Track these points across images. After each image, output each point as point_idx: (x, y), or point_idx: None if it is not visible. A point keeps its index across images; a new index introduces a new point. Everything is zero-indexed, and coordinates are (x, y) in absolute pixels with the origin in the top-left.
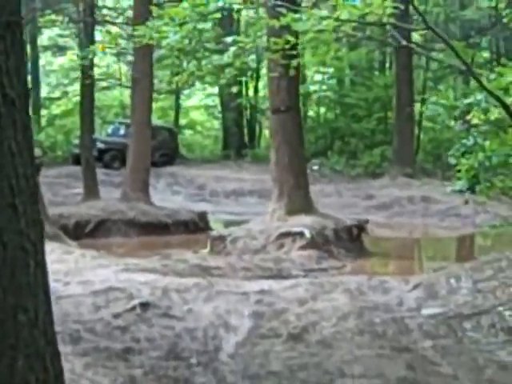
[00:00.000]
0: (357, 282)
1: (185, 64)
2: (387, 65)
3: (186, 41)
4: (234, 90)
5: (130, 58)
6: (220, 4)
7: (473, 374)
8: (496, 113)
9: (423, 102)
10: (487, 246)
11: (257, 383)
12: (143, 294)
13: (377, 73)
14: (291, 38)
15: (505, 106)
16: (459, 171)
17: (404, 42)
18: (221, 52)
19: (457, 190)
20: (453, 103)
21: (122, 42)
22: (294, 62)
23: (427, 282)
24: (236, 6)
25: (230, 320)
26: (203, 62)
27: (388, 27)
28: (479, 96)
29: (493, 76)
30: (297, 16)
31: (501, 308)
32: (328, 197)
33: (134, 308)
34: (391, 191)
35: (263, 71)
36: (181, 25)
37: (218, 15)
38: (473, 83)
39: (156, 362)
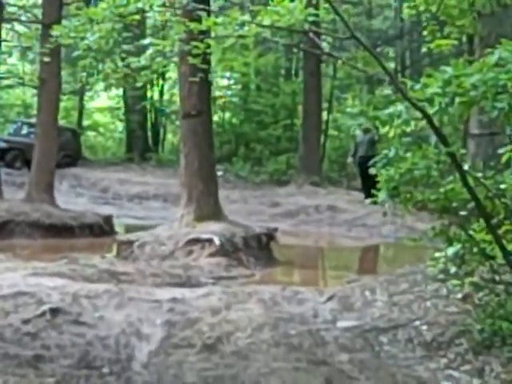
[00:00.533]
0: (271, 292)
1: (100, 65)
2: (293, 72)
3: (104, 41)
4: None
5: (31, 56)
6: (140, 5)
7: None
8: (413, 125)
9: (330, 110)
10: (394, 256)
11: None
12: (53, 300)
13: (282, 79)
14: (212, 43)
15: (428, 118)
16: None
17: (326, 50)
18: (137, 54)
19: (376, 202)
20: (375, 114)
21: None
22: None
23: (342, 293)
24: (156, 8)
25: (143, 328)
26: (119, 64)
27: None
28: (399, 106)
29: (418, 86)
30: (219, 20)
31: (417, 322)
32: (234, 203)
33: (43, 314)
34: (297, 199)
35: (168, 75)
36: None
37: (138, 17)
38: (377, 93)
39: (67, 371)
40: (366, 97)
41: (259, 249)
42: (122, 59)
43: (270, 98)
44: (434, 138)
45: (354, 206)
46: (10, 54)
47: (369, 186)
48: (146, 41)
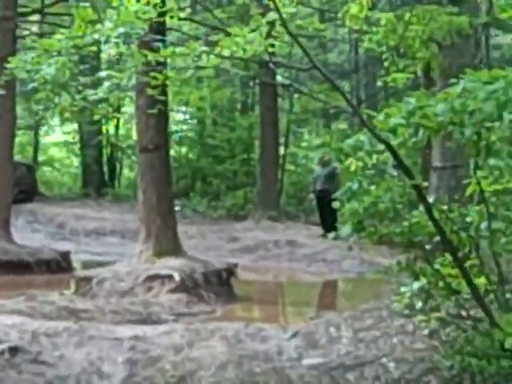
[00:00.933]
0: (234, 329)
1: (56, 99)
2: (249, 106)
3: (60, 74)
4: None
5: None
6: (96, 37)
7: None
8: (374, 158)
9: (286, 144)
10: (356, 291)
11: None
12: (11, 338)
13: (238, 114)
14: (172, 74)
15: (391, 149)
16: (335, 216)
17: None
18: (93, 87)
19: (339, 236)
20: (338, 146)
21: None
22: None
23: (306, 330)
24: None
25: (104, 367)
26: (77, 97)
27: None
28: (362, 137)
29: (380, 117)
30: (177, 50)
31: (384, 359)
32: (192, 238)
33: (2, 353)
34: (256, 234)
35: (124, 109)
36: (53, 57)
37: (94, 48)
38: (333, 127)
39: None
40: (323, 131)
41: (219, 285)
42: (79, 92)
43: (226, 132)
44: (391, 171)
45: (313, 240)
46: None
47: (327, 220)
48: (103, 73)
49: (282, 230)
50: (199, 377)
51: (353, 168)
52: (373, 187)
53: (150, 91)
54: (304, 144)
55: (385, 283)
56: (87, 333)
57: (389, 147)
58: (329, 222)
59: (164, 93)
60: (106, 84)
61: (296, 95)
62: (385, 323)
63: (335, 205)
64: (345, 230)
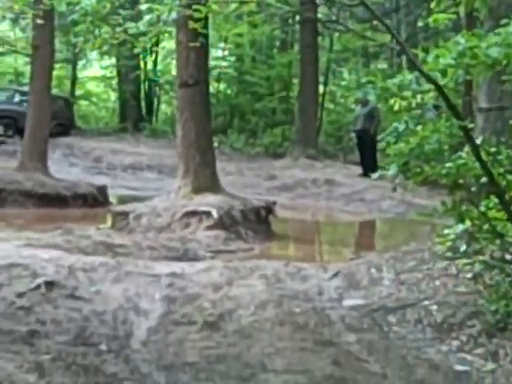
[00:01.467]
0: (273, 267)
1: (96, 31)
2: (289, 44)
3: (101, 6)
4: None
5: (23, 23)
6: None
7: (403, 373)
8: (419, 98)
9: (326, 83)
10: (396, 232)
11: (172, 375)
12: (48, 272)
13: (276, 51)
14: (215, 7)
15: (440, 89)
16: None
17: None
18: (134, 20)
19: (386, 177)
20: (384, 85)
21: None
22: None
23: (347, 270)
24: None
25: (141, 303)
26: (118, 29)
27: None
28: (409, 77)
29: (430, 57)
30: None
31: (426, 302)
32: (229, 175)
33: (38, 287)
34: (294, 172)
35: (162, 44)
36: None
37: None
38: (372, 66)
39: (64, 348)
40: (362, 70)
41: (258, 222)
42: (119, 25)
43: (265, 69)
44: (430, 114)
45: (352, 179)
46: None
47: (366, 159)
48: (143, 6)
49: (321, 169)
50: (238, 316)
51: (396, 107)
52: (419, 128)
53: (191, 24)
54: (343, 83)
55: (423, 224)
56: (124, 268)
57: (438, 87)
58: (368, 161)
59: (205, 27)
60: (147, 17)
61: (336, 34)
62: (427, 265)
63: (374, 144)
64: (391, 170)
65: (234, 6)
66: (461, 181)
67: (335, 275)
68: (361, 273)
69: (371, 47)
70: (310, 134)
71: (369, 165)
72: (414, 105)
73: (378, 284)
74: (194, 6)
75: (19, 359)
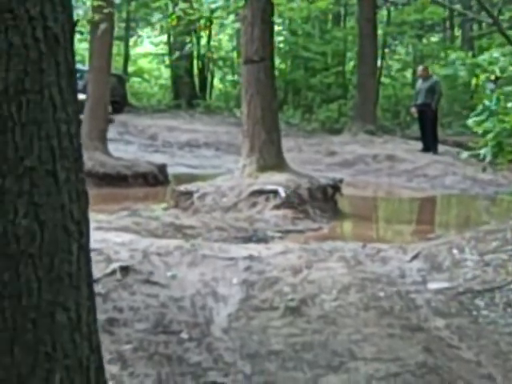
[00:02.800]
0: (351, 249)
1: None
2: (342, 18)
3: None
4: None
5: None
6: None
7: (498, 360)
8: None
9: (383, 57)
10: (469, 209)
11: (258, 364)
12: (122, 257)
13: (329, 25)
14: None
15: None
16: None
17: None
18: None
19: (478, 156)
20: (474, 60)
21: None
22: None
23: (427, 251)
24: None
25: (219, 288)
26: (195, 5)
27: None
28: (495, 53)
29: None
30: None
31: None
32: (288, 152)
33: (113, 272)
34: (353, 148)
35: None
36: None
37: None
38: (425, 40)
39: (144, 336)
40: (417, 44)
41: (325, 201)
42: (196, 1)
43: (320, 44)
44: (491, 85)
45: (413, 155)
46: None
47: (428, 134)
48: None
49: (380, 144)
50: (321, 300)
51: (474, 83)
52: (510, 105)
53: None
54: (398, 57)
55: (491, 200)
56: (200, 252)
57: None
58: (429, 136)
59: (270, 2)
60: None
61: (392, 7)
62: (511, 246)
63: (436, 119)
64: (483, 149)
65: None
66: None
67: (416, 257)
68: (442, 254)
69: (428, 20)
70: (368, 109)
71: (431, 139)
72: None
73: (461, 266)
74: None
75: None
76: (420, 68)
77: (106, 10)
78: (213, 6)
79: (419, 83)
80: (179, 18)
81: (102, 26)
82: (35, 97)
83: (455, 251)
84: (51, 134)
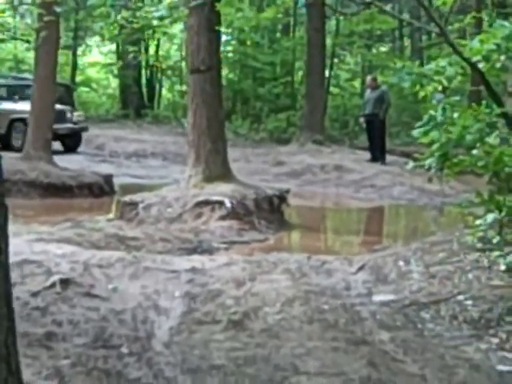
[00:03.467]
0: (296, 261)
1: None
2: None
3: None
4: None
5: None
6: None
7: (443, 374)
8: (456, 81)
9: (332, 67)
10: (413, 220)
11: (199, 379)
12: (62, 270)
13: (278, 35)
14: None
15: (481, 75)
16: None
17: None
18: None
19: (424, 167)
20: (420, 70)
21: None
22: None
23: (373, 263)
24: None
25: (161, 301)
26: (137, 14)
27: None
28: (442, 63)
29: (474, 42)
30: None
31: (461, 297)
32: (236, 162)
33: (53, 285)
34: (302, 158)
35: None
36: None
37: None
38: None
39: (83, 351)
40: (366, 54)
41: (271, 211)
42: (139, 8)
43: (268, 54)
44: (438, 96)
45: (361, 165)
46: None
47: (376, 144)
48: None
49: (328, 154)
50: (264, 314)
51: (422, 94)
52: (455, 115)
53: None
54: (346, 67)
55: (436, 210)
56: (142, 264)
57: (479, 72)
58: (377, 146)
59: (216, 12)
60: (168, 0)
61: (341, 16)
62: (457, 257)
63: (384, 129)
64: (428, 160)
65: None
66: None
67: (361, 268)
68: (388, 266)
69: (377, 30)
70: (316, 118)
71: (378, 149)
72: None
73: (407, 278)
74: None
75: (37, 364)
76: (368, 78)
77: (46, 18)
78: (156, 14)
79: (368, 93)
80: (122, 27)
81: (42, 34)
82: None
83: (401, 263)
84: None
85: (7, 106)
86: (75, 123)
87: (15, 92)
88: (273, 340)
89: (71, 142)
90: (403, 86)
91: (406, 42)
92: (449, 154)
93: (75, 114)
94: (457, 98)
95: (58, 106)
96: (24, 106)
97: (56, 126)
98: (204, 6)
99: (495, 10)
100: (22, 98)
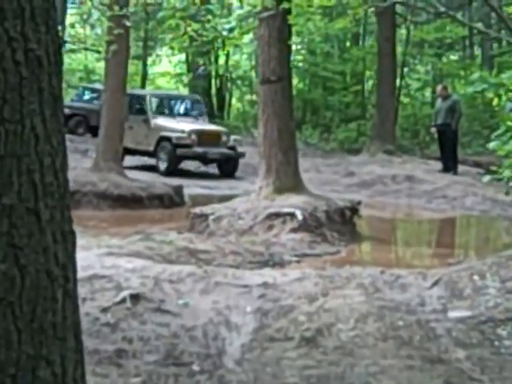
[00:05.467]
0: (370, 275)
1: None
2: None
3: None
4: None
5: (92, 19)
6: None
7: None
8: None
9: (402, 76)
10: (490, 232)
11: None
12: (132, 285)
13: (348, 44)
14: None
15: None
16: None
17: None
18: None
19: (499, 179)
20: (499, 79)
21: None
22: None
23: (447, 278)
24: None
25: (232, 317)
26: (207, 26)
27: None
28: None
29: None
30: None
31: None
32: (306, 172)
33: (123, 301)
34: (372, 168)
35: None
36: None
37: None
38: (444, 59)
39: (154, 368)
40: (436, 62)
41: (343, 223)
42: (208, 21)
43: (338, 63)
44: (509, 107)
45: (433, 176)
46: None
47: (447, 154)
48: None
49: (399, 165)
50: (337, 330)
51: (495, 103)
52: None
53: (283, 17)
54: (417, 76)
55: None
56: (213, 279)
57: None
58: (449, 156)
59: (286, 22)
60: (238, 12)
61: (412, 26)
62: None
63: (456, 139)
64: (508, 173)
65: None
66: None
67: (436, 283)
68: (463, 280)
69: (447, 39)
70: (387, 128)
71: (450, 159)
72: None
73: (483, 293)
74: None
75: (107, 383)
76: (439, 87)
77: (116, 32)
78: (227, 26)
79: (438, 102)
80: (192, 39)
81: (113, 48)
82: (15, 127)
83: (476, 277)
84: (32, 167)
85: (162, 122)
86: (231, 148)
87: (175, 108)
88: (347, 358)
89: (227, 167)
90: (476, 95)
91: (477, 50)
92: None
93: (232, 137)
94: None
95: (213, 128)
96: (181, 124)
97: (207, 150)
98: (275, 17)
99: None
100: (184, 114)
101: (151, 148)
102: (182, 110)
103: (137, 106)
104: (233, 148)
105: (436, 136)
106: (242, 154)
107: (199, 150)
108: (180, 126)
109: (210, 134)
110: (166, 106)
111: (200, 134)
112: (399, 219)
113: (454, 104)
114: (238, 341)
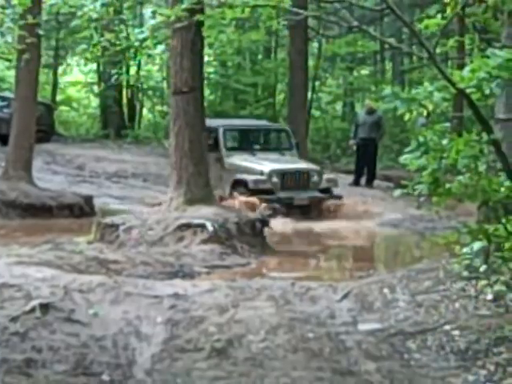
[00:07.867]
0: (280, 287)
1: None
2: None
3: (104, 10)
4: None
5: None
6: None
7: None
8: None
9: (314, 89)
10: (395, 246)
11: None
12: (42, 294)
13: (260, 57)
14: (228, 12)
15: (470, 102)
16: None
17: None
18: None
19: (410, 194)
20: (411, 95)
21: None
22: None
23: (357, 290)
24: None
25: (142, 327)
26: (120, 35)
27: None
28: (430, 88)
29: (466, 71)
30: None
31: (447, 326)
32: None
33: (33, 310)
34: None
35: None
36: None
37: None
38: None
39: (63, 378)
40: (348, 76)
41: (253, 235)
42: (121, 31)
43: (250, 75)
44: (421, 120)
45: (344, 189)
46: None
47: (369, 168)
48: (148, 10)
49: None
50: (248, 341)
51: (406, 118)
52: (444, 142)
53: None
54: (327, 89)
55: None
56: (123, 289)
57: (468, 99)
58: (370, 171)
59: (199, 33)
60: (151, 22)
61: (324, 39)
62: (444, 286)
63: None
64: (420, 187)
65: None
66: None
67: (346, 296)
68: (373, 293)
69: (359, 53)
70: (298, 141)
71: (370, 174)
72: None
73: (393, 306)
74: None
75: None
76: (368, 102)
77: (28, 40)
78: (140, 36)
79: (363, 116)
80: (104, 49)
81: (25, 57)
82: None
83: (386, 291)
84: None
85: (238, 160)
86: (324, 190)
87: (257, 141)
88: (257, 369)
89: (310, 211)
90: (393, 110)
91: (388, 65)
92: (440, 181)
93: (325, 176)
94: (446, 124)
95: (301, 166)
96: (260, 163)
97: (292, 195)
98: (188, 28)
99: (477, 35)
100: (267, 149)
101: (226, 194)
102: (264, 144)
103: (209, 141)
104: (327, 190)
105: (355, 149)
106: (339, 197)
107: (283, 195)
108: (259, 166)
109: (296, 174)
110: (244, 139)
111: (284, 174)
112: (311, 232)
113: (378, 120)
114: (149, 351)
